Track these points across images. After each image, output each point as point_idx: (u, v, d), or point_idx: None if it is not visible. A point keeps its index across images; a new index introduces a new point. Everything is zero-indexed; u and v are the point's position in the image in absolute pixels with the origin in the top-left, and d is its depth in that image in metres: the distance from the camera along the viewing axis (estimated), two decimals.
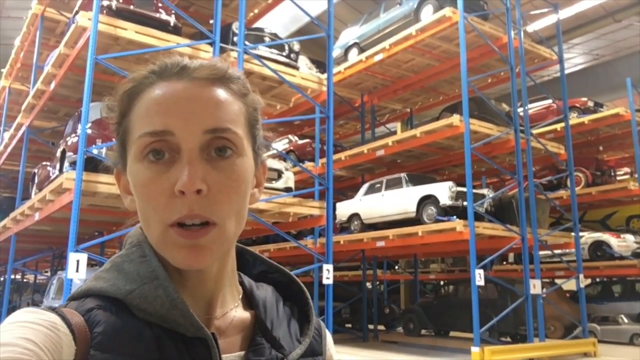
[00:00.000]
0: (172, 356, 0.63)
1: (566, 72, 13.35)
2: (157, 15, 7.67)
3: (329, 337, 0.84)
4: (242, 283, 0.79)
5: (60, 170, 7.52)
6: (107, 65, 6.69)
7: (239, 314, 0.74)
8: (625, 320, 12.93)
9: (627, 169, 18.13)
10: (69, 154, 7.28)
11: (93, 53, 6.58)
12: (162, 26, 7.54)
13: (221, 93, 0.69)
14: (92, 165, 6.58)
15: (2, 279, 19.59)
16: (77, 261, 6.10)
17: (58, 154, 8.05)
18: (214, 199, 0.65)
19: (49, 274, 18.64)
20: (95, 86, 6.68)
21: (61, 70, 7.92)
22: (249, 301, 0.77)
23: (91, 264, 7.19)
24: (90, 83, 6.56)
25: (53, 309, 0.63)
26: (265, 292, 0.79)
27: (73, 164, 6.77)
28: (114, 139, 0.74)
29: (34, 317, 0.59)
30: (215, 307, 0.72)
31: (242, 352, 0.71)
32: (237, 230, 0.69)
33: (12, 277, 17.08)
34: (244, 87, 0.73)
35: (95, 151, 6.62)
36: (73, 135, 7.55)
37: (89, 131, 6.81)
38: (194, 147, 0.65)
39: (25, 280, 23.23)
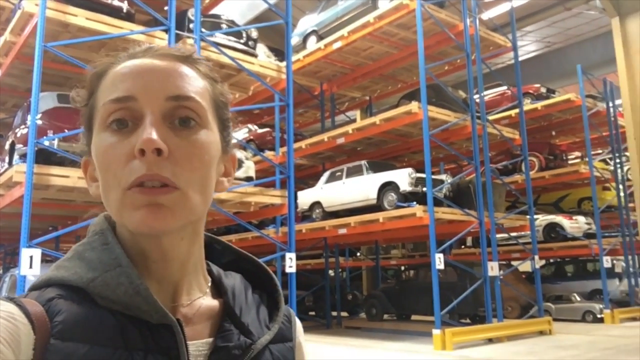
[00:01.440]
0: (136, 343, 0.62)
1: (520, 59, 13.67)
2: (109, 1, 7.42)
3: (298, 324, 0.83)
4: (210, 272, 0.78)
5: (10, 163, 7.23)
6: (57, 53, 6.45)
7: (207, 301, 0.73)
8: (578, 299, 13.45)
9: (578, 153, 18.80)
10: (18, 146, 7.00)
11: (41, 40, 6.32)
12: (115, 12, 7.30)
13: (186, 69, 0.69)
14: (44, 157, 6.35)
15: None
16: (31, 257, 5.89)
17: (7, 146, 7.73)
18: (175, 163, 0.63)
19: (1, 271, 17.99)
20: (45, 75, 6.43)
21: (8, 59, 7.60)
22: (217, 289, 0.76)
23: (46, 259, 6.96)
24: (40, 72, 6.31)
25: (11, 299, 0.61)
26: (233, 279, 0.78)
27: (23, 157, 6.51)
28: (81, 124, 0.72)
29: None
30: (182, 294, 0.71)
31: (210, 339, 0.70)
32: (203, 205, 0.67)
33: None
34: (211, 72, 0.73)
35: (46, 142, 6.38)
36: (22, 126, 7.26)
37: (40, 122, 6.56)
38: (156, 112, 0.64)
39: None
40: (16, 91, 8.83)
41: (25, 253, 5.89)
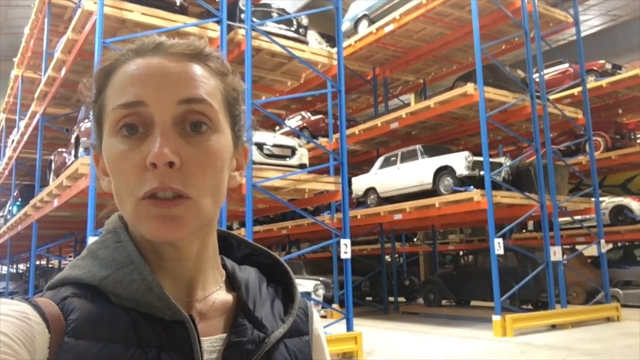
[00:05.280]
0: (150, 340, 0.62)
1: (582, 34, 13.04)
2: None
3: (316, 316, 0.82)
4: (224, 266, 0.78)
5: (75, 156, 7.58)
6: (115, 49, 6.61)
7: (221, 296, 0.73)
8: None
9: None
10: (82, 139, 7.33)
11: (100, 37, 6.55)
12: (169, 6, 7.46)
13: (197, 68, 0.67)
14: None
15: (28, 265, 20.01)
16: None
17: (72, 140, 8.11)
18: (187, 173, 0.63)
19: (72, 258, 18.98)
20: None
21: (70, 56, 7.93)
22: (232, 284, 0.76)
23: None
24: None
25: (25, 299, 0.62)
26: (247, 273, 0.78)
27: (87, 149, 6.81)
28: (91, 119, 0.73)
29: (4, 309, 0.58)
30: (196, 289, 0.71)
31: (224, 334, 0.70)
32: (214, 208, 0.67)
33: (37, 263, 17.43)
34: (222, 66, 0.71)
35: None
36: (86, 120, 7.59)
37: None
38: (167, 119, 0.63)
39: (50, 265, 23.76)
40: None
41: (92, 241, 6.16)
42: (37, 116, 10.22)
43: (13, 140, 13.61)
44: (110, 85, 0.67)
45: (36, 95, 9.99)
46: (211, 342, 0.68)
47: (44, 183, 10.15)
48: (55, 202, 8.32)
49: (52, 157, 9.75)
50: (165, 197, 0.62)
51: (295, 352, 0.73)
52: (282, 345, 0.72)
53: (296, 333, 0.75)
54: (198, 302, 0.70)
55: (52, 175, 9.50)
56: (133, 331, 0.62)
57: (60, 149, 9.44)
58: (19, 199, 13.38)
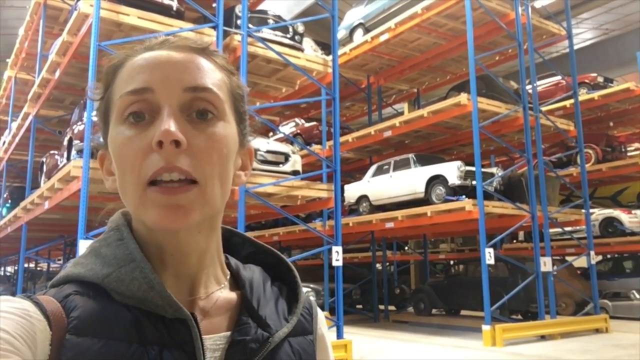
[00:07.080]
0: (152, 338, 0.62)
1: (575, 47, 13.17)
2: (160, 0, 7.60)
3: (320, 315, 0.82)
4: (228, 265, 0.78)
5: (68, 159, 7.55)
6: (110, 52, 6.65)
7: (225, 294, 0.73)
8: (637, 296, 12.89)
9: (638, 145, 17.97)
10: (75, 142, 7.30)
11: (96, 40, 6.54)
12: (165, 11, 7.48)
13: (203, 61, 0.69)
14: None
15: (16, 267, 19.83)
16: None
17: (65, 142, 8.07)
18: (194, 156, 0.63)
19: (61, 262, 18.84)
20: (100, 73, 6.62)
21: (65, 59, 7.90)
22: (236, 282, 0.76)
23: None
24: (95, 70, 6.54)
25: (27, 296, 0.62)
26: (252, 272, 0.77)
27: (80, 152, 6.78)
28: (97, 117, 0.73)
29: (5, 306, 0.58)
30: (199, 287, 0.71)
31: (228, 333, 0.69)
32: (221, 197, 0.67)
33: (26, 265, 17.29)
34: (228, 64, 0.73)
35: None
36: (79, 123, 7.56)
37: (95, 119, 6.80)
38: (173, 104, 0.64)
39: (39, 268, 23.56)
40: (73, 89, 9.18)
41: (82, 244, 6.13)
42: (30, 118, 10.17)
43: (4, 142, 13.53)
44: (118, 78, 0.68)
45: (29, 96, 9.94)
46: (214, 340, 0.68)
47: (35, 185, 10.08)
48: (46, 205, 8.27)
49: (44, 159, 9.69)
50: (171, 179, 0.62)
51: (300, 352, 0.73)
52: (286, 344, 0.72)
53: (300, 332, 0.75)
54: (201, 300, 0.70)
55: (43, 178, 9.44)
56: (135, 329, 0.62)
57: (52, 151, 9.39)
58: (9, 201, 13.30)
